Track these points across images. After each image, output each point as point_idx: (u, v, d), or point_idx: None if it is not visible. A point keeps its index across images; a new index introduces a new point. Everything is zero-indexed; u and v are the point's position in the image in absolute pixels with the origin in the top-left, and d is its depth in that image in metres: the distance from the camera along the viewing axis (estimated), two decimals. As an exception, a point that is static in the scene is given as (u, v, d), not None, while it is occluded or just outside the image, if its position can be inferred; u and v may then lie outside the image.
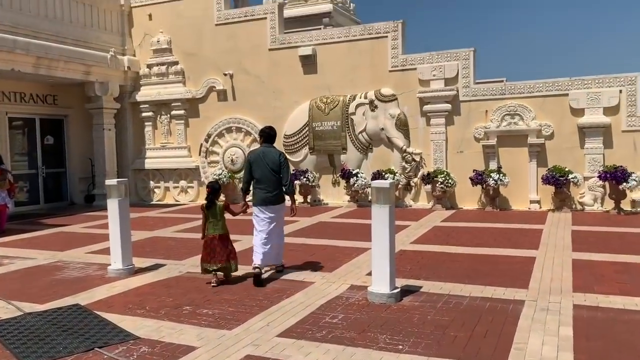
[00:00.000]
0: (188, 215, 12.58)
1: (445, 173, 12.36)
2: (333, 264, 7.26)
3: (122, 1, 15.72)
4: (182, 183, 15.57)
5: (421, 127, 13.02)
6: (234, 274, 6.53)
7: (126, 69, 15.57)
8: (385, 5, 46.11)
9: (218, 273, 6.36)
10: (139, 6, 15.85)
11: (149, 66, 15.71)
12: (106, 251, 7.53)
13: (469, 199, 12.62)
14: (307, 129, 13.98)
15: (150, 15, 15.70)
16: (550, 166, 11.79)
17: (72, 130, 15.95)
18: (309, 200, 13.87)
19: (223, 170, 14.64)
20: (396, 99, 13.14)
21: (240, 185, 7.78)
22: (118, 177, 15.84)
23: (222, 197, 6.50)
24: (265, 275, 6.57)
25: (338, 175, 13.58)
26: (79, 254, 8.50)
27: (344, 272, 6.81)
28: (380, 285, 5.60)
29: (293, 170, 13.88)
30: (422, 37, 43.35)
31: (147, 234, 10.24)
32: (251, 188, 6.74)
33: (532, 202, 12.12)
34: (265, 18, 14.38)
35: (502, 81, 14.09)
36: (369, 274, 6.51)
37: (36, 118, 15.14)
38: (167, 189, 15.79)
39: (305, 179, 13.53)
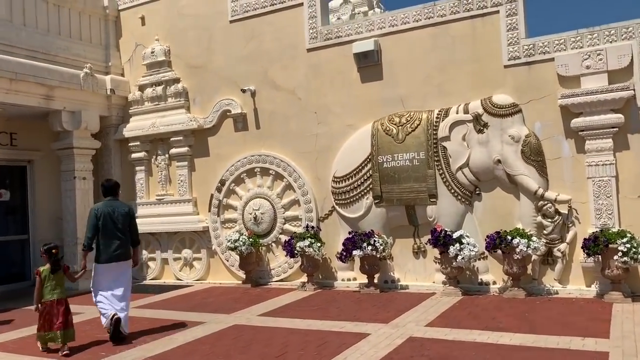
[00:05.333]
0: (185, 313, 7.46)
1: (629, 236, 6.88)
2: None
3: (105, 2, 11.38)
4: (186, 253, 10.58)
5: (567, 156, 7.68)
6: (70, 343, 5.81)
7: (109, 92, 11.04)
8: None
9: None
10: (128, 8, 11.44)
11: (141, 88, 11.12)
12: None
13: (668, 279, 7.05)
14: (369, 166, 8.86)
15: (142, 19, 11.24)
16: None
17: (39, 181, 11.35)
18: (376, 281, 8.58)
19: (242, 234, 9.58)
20: (520, 110, 7.92)
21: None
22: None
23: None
24: None
25: (425, 242, 8.28)
26: None
27: None
28: None
29: (350, 232, 8.66)
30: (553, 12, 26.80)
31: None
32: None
33: None
34: (302, 4, 9.62)
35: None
36: None
37: (-18, 165, 10.71)
38: (165, 261, 10.85)
39: (370, 247, 8.27)
